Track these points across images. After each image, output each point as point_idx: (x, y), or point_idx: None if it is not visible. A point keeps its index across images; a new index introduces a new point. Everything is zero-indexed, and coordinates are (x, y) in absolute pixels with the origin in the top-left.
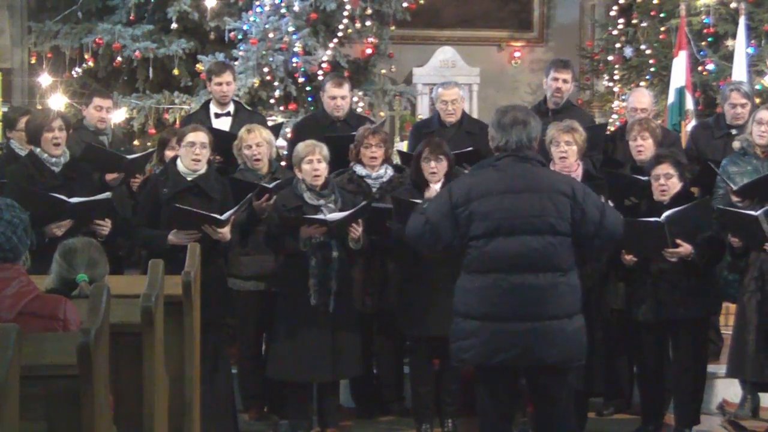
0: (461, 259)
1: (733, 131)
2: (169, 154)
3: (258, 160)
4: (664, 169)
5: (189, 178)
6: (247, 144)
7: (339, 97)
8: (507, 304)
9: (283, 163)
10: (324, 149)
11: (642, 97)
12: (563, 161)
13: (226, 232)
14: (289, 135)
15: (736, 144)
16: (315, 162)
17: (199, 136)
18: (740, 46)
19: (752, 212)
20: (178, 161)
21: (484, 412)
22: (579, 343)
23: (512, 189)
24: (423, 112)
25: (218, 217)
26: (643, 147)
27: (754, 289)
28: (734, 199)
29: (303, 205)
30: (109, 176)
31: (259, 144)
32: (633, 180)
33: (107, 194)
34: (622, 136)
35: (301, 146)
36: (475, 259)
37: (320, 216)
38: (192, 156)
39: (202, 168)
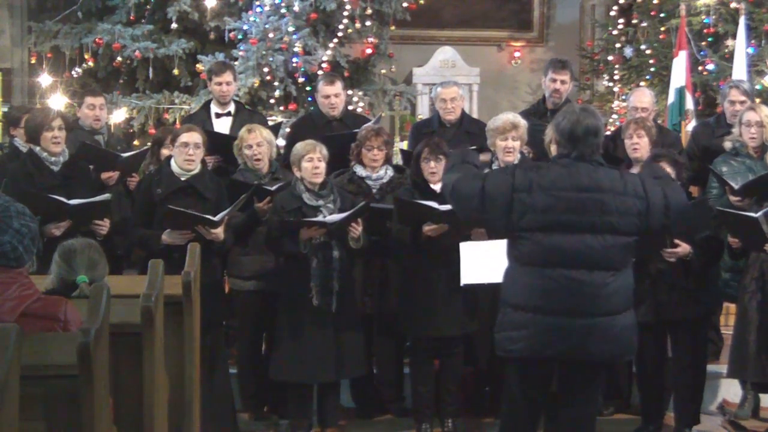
0: (511, 249)
1: (734, 129)
2: (165, 152)
3: (258, 160)
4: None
5: (183, 178)
6: (248, 144)
7: (332, 95)
8: (560, 299)
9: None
10: (324, 149)
11: (643, 97)
12: None
13: (219, 232)
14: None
15: (727, 144)
16: (315, 160)
17: (193, 137)
18: (740, 46)
19: (752, 214)
20: (172, 161)
21: (512, 405)
22: (629, 339)
23: (576, 187)
24: (423, 112)
25: (211, 218)
26: (639, 145)
27: (755, 289)
28: (733, 199)
29: (302, 206)
30: (105, 175)
31: (260, 144)
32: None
33: (107, 195)
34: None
35: (300, 145)
36: (530, 251)
37: (319, 218)
38: (185, 156)
39: (196, 168)
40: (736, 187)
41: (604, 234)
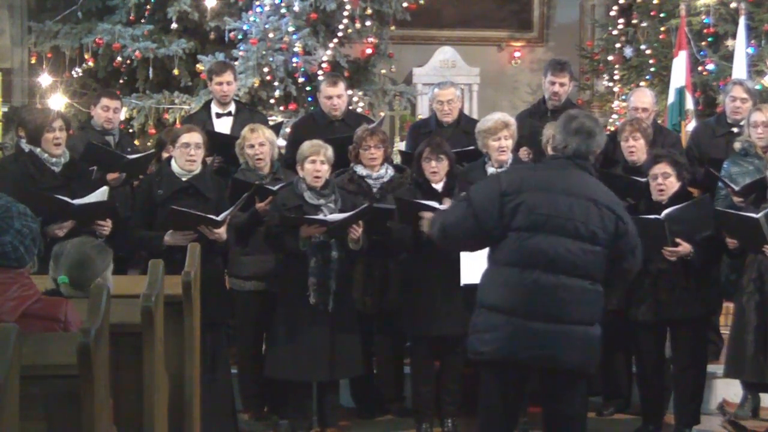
0: (492, 251)
1: (735, 129)
2: (166, 155)
3: (260, 159)
4: (662, 168)
5: (184, 179)
6: (250, 143)
7: (335, 96)
8: (537, 302)
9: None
10: (329, 151)
11: (643, 97)
12: None
13: (222, 232)
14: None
15: (737, 145)
16: (318, 163)
17: (193, 137)
18: (740, 46)
19: (753, 215)
20: (173, 162)
21: (488, 409)
22: (596, 351)
23: (564, 190)
24: (423, 112)
25: (214, 218)
26: (635, 148)
27: (753, 290)
28: (736, 200)
29: (303, 205)
30: (110, 176)
31: (262, 144)
32: (631, 181)
33: (104, 188)
34: None
35: (306, 145)
36: (512, 251)
37: (320, 216)
38: (186, 157)
39: (197, 168)
40: (736, 188)
41: (584, 241)
